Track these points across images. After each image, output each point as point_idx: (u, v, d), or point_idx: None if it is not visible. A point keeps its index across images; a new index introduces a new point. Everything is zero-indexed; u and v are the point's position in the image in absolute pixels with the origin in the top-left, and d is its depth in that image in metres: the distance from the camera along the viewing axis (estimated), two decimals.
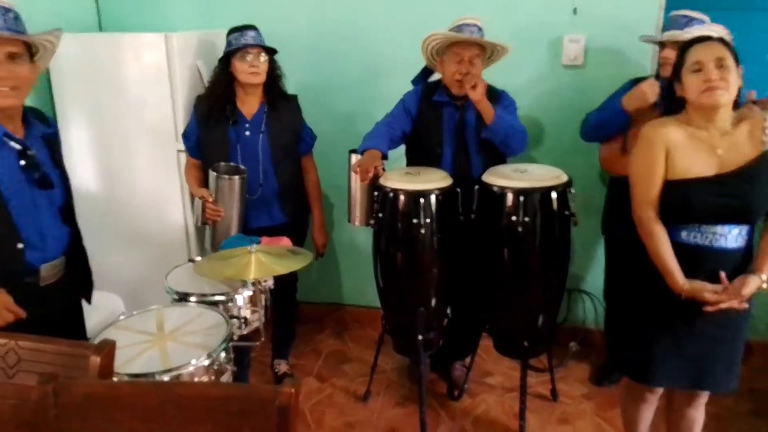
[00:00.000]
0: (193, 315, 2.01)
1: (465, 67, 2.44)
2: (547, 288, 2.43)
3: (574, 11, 2.88)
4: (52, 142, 1.93)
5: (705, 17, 2.42)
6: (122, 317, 2.05)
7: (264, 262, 1.84)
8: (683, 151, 1.83)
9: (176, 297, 2.13)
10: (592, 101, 2.95)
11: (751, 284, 1.81)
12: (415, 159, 2.66)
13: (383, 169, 2.39)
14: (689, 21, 2.40)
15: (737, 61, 1.79)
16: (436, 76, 2.66)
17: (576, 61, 2.94)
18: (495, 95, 2.56)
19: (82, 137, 2.89)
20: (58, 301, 1.92)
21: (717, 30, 2.23)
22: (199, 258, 2.37)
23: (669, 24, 2.50)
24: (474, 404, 2.81)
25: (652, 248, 1.87)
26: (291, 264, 1.86)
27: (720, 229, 1.82)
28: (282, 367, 2.98)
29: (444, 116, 2.56)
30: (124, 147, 2.87)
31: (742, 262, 1.89)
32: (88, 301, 2.15)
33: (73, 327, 2.06)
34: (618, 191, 2.45)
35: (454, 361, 2.92)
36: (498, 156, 2.55)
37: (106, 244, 2.92)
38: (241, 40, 2.49)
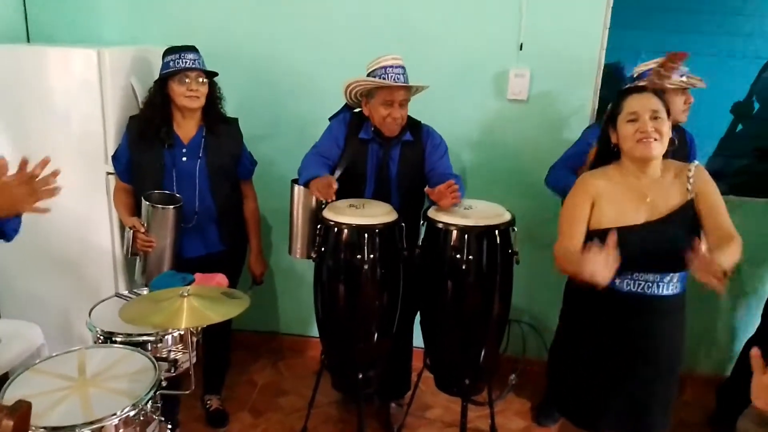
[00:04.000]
0: (118, 357, 1.87)
1: (397, 112, 2.41)
2: (489, 324, 2.41)
3: (520, 46, 2.90)
4: None
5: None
6: (39, 359, 1.89)
7: (197, 307, 1.73)
8: (613, 200, 1.88)
9: (100, 336, 1.98)
10: (536, 135, 3.00)
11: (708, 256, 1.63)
12: (338, 191, 2.59)
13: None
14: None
15: (668, 113, 1.85)
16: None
17: (520, 95, 2.96)
18: (419, 131, 2.54)
19: (4, 152, 2.68)
20: None
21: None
22: (126, 292, 2.23)
23: (644, 76, 2.55)
24: None
25: (566, 259, 1.81)
26: (226, 310, 1.75)
27: (652, 276, 1.85)
28: (214, 402, 2.84)
29: (369, 153, 2.52)
30: (49, 165, 2.67)
31: (677, 309, 1.92)
32: None
33: None
34: None
35: (391, 401, 2.87)
36: (417, 196, 2.52)
37: (26, 269, 2.73)
38: (179, 62, 2.37)
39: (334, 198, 2.29)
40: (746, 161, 2.96)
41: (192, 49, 2.43)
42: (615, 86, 2.83)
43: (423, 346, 2.57)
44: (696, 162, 1.97)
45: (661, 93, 1.86)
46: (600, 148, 2.00)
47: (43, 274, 2.77)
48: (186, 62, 2.38)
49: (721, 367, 3.17)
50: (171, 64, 2.38)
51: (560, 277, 2.12)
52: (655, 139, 1.80)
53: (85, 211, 2.70)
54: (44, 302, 2.78)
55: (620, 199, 1.87)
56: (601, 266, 1.62)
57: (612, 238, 1.66)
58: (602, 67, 2.90)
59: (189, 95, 2.40)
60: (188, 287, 1.84)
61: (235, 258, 2.69)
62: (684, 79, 2.50)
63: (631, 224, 1.84)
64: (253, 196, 2.74)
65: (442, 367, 2.54)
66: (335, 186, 2.27)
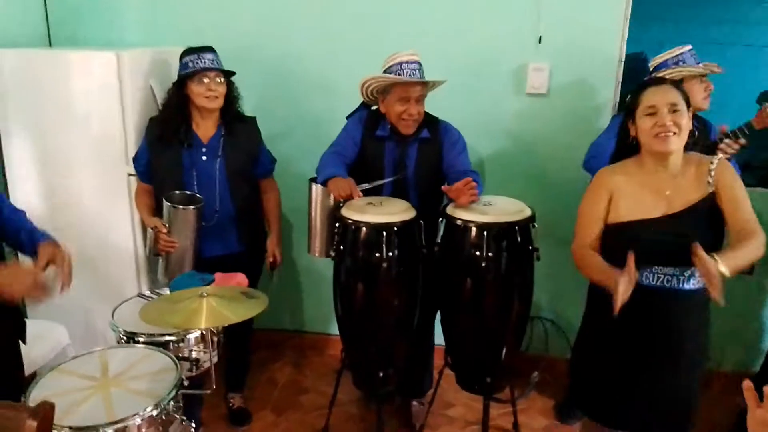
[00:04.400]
0: (140, 357, 1.89)
1: (413, 108, 2.39)
2: (509, 322, 2.39)
3: (539, 40, 2.87)
4: None
5: (687, 47, 2.48)
6: (67, 357, 1.91)
7: (215, 307, 1.73)
8: (631, 195, 1.86)
9: (123, 337, 2.00)
10: (555, 130, 2.97)
11: (708, 261, 1.63)
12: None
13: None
14: (679, 59, 2.45)
15: (688, 104, 1.82)
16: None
17: (540, 89, 2.92)
18: (436, 128, 2.51)
19: (25, 156, 2.73)
20: None
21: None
22: (148, 292, 2.26)
23: (660, 68, 2.51)
24: None
25: (587, 265, 1.86)
26: (244, 311, 1.75)
27: (672, 270, 1.82)
28: (236, 401, 2.86)
29: (386, 150, 2.50)
30: (71, 168, 2.72)
31: (701, 304, 1.88)
32: (23, 340, 2.00)
33: (7, 373, 1.90)
34: None
35: (413, 399, 2.86)
36: (435, 194, 2.48)
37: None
38: (198, 63, 2.38)
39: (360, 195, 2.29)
40: None
41: (210, 49, 2.44)
42: (637, 78, 2.78)
43: (444, 344, 2.55)
44: (720, 155, 1.93)
45: (680, 84, 1.82)
46: (619, 141, 1.96)
47: None
48: (205, 62, 2.39)
49: (749, 364, 3.11)
50: (190, 64, 2.40)
51: (580, 277, 2.09)
52: (674, 133, 1.76)
53: (107, 212, 2.73)
54: (68, 303, 2.78)
55: (638, 192, 1.85)
56: (623, 288, 1.64)
57: (631, 260, 1.66)
58: (623, 60, 2.86)
59: (208, 95, 2.42)
60: (207, 287, 1.84)
61: (254, 258, 2.70)
62: (701, 66, 2.46)
63: (649, 217, 1.81)
64: (276, 190, 2.75)
65: (463, 365, 2.52)
66: (358, 195, 2.27)
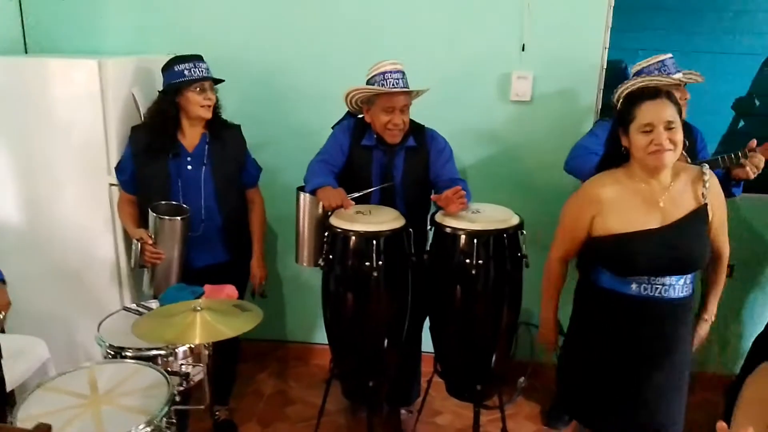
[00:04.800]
0: (129, 372, 1.85)
1: (398, 118, 2.39)
2: (499, 329, 2.39)
3: (522, 48, 2.90)
4: None
5: (668, 55, 2.52)
6: (47, 375, 1.86)
7: (209, 321, 1.70)
8: (623, 206, 1.85)
9: (110, 352, 1.96)
10: (540, 136, 2.99)
11: (704, 330, 2.03)
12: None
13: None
14: (661, 66, 2.49)
15: (680, 115, 1.82)
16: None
17: (524, 96, 2.95)
18: (422, 136, 2.52)
19: (3, 165, 2.66)
20: None
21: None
22: (133, 305, 2.21)
23: (641, 73, 2.53)
24: None
25: (546, 287, 2.11)
26: (240, 324, 1.73)
27: (668, 279, 1.84)
28: (222, 413, 2.81)
29: (373, 159, 2.50)
30: (51, 178, 2.65)
31: (688, 311, 1.92)
32: None
33: None
34: None
35: (401, 407, 2.85)
36: (423, 202, 2.50)
37: (29, 282, 2.69)
38: (195, 71, 2.37)
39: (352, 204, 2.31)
40: None
41: (202, 58, 2.43)
42: (617, 85, 2.82)
43: (432, 351, 2.55)
44: (706, 165, 1.95)
45: (673, 95, 1.84)
46: (608, 149, 1.97)
47: (46, 288, 2.74)
48: (202, 72, 2.39)
49: (730, 366, 3.17)
50: (186, 73, 2.36)
51: (570, 279, 2.12)
52: (669, 149, 1.77)
53: (88, 222, 2.67)
54: (48, 316, 2.74)
55: (631, 204, 1.85)
56: None
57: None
58: (605, 68, 2.90)
59: (204, 103, 2.41)
60: (200, 300, 1.81)
61: (241, 268, 2.66)
62: (681, 75, 2.50)
63: (645, 229, 1.82)
64: (261, 201, 2.72)
65: (453, 373, 2.52)
66: (350, 205, 2.28)
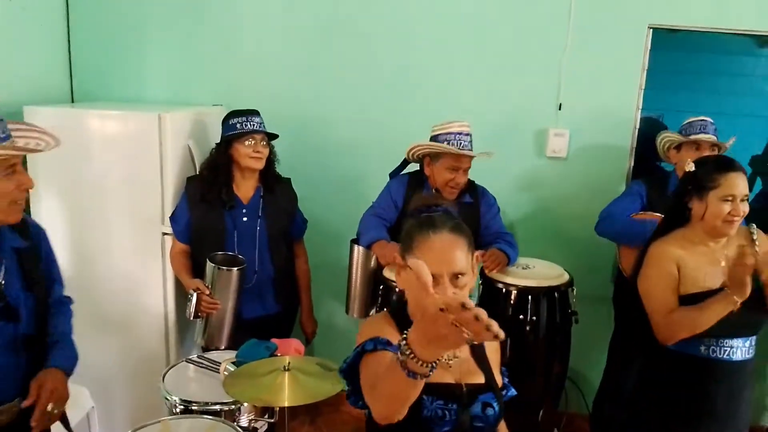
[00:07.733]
0: (205, 429, 1.85)
1: (461, 177, 2.48)
2: (549, 383, 2.44)
3: (559, 107, 3.00)
4: (27, 258, 1.66)
5: (708, 118, 2.62)
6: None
7: (299, 382, 1.73)
8: (694, 266, 1.91)
9: (179, 406, 1.96)
10: (574, 192, 3.08)
11: None
12: None
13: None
14: (704, 126, 2.57)
15: None
16: (413, 166, 2.67)
17: (560, 153, 3.05)
18: (475, 193, 2.62)
19: (56, 214, 2.69)
20: None
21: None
22: (195, 356, 2.23)
23: (684, 129, 2.64)
24: None
25: (682, 322, 1.86)
26: (326, 387, 1.75)
27: (735, 342, 1.89)
28: None
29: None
30: (104, 225, 2.68)
31: (751, 372, 1.96)
32: None
33: None
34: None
35: None
36: None
37: (75, 330, 2.68)
38: (246, 125, 2.43)
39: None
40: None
41: (257, 112, 2.50)
42: (649, 140, 2.92)
43: None
44: (754, 225, 2.02)
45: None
46: (673, 212, 2.03)
47: (92, 337, 2.70)
48: (253, 125, 2.44)
49: None
50: (238, 126, 2.43)
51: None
52: (740, 220, 1.88)
53: (139, 272, 2.69)
54: (92, 365, 2.71)
55: (698, 265, 1.91)
56: None
57: None
58: (638, 127, 3.01)
59: (253, 156, 2.46)
60: (287, 358, 1.83)
61: (288, 318, 2.70)
62: (714, 138, 2.59)
63: (715, 288, 1.86)
64: (305, 255, 2.77)
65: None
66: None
